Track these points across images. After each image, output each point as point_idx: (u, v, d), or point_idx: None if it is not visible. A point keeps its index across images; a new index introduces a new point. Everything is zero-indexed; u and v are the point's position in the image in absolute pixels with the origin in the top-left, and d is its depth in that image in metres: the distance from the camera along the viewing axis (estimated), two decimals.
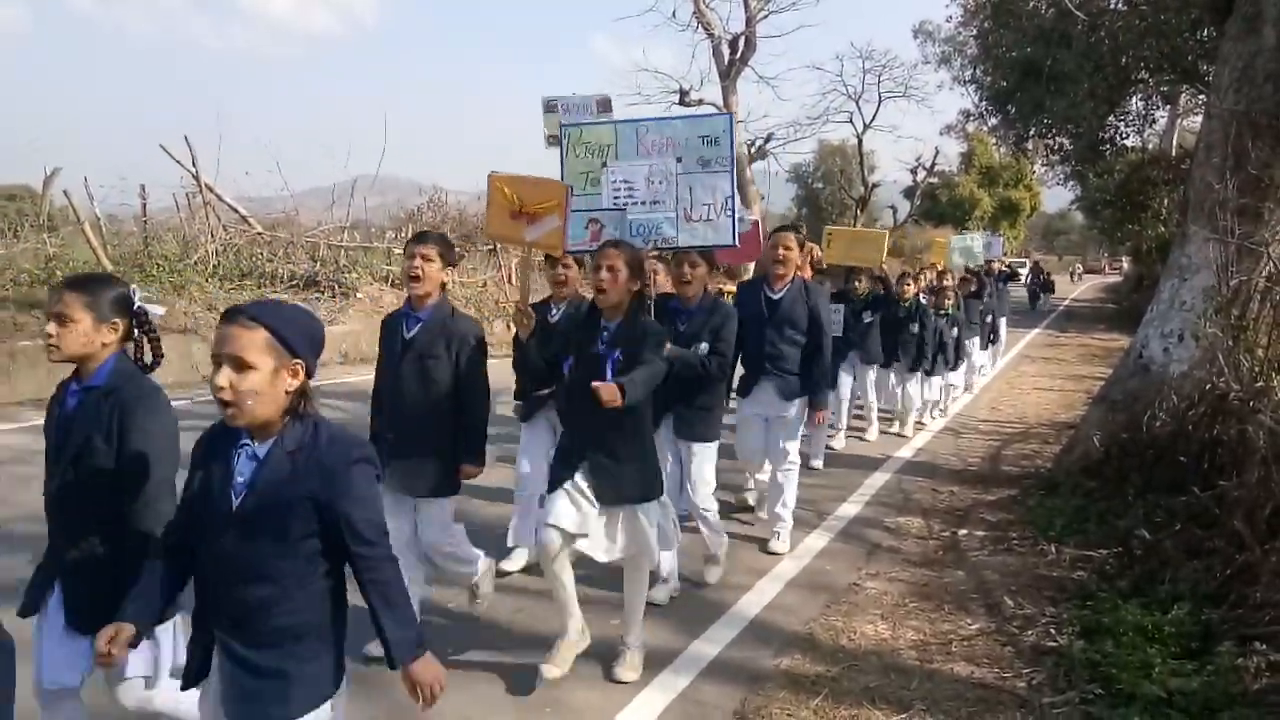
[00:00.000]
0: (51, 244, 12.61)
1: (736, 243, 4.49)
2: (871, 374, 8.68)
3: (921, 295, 9.28)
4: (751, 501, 6.25)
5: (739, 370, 5.38)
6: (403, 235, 17.64)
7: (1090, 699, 3.64)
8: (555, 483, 3.56)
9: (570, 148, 4.59)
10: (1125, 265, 45.74)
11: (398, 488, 3.67)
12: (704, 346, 4.47)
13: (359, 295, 14.23)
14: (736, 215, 4.46)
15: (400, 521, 3.68)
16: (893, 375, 8.99)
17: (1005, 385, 12.97)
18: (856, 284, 8.26)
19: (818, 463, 7.46)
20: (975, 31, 25.36)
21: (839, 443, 8.37)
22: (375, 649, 4.24)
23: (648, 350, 3.51)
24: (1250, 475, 4.70)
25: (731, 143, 4.46)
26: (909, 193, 44.09)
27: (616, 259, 3.52)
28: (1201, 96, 21.61)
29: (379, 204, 20.36)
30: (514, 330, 4.04)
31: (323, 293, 13.93)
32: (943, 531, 5.92)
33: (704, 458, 4.67)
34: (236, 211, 15.03)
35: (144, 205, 14.03)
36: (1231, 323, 5.73)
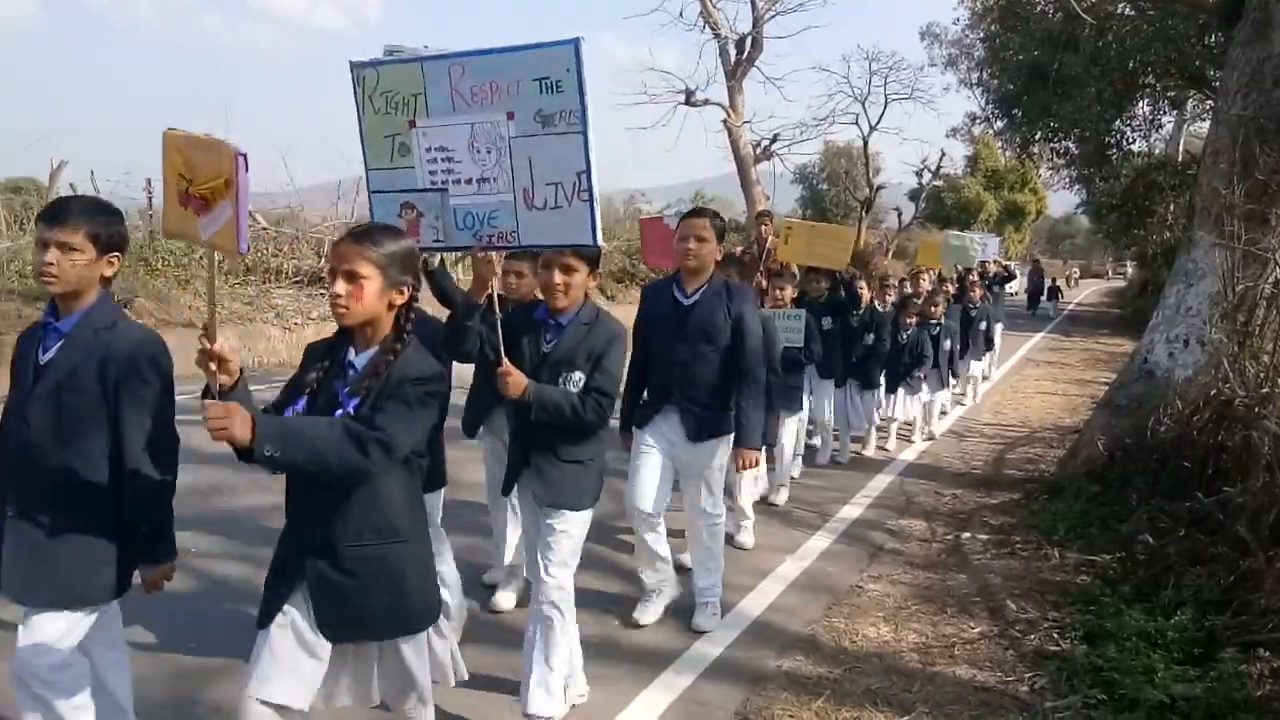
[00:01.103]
0: None
1: (598, 238, 2.97)
2: (831, 390, 7.45)
3: (885, 302, 8.50)
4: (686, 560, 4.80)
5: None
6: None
7: (1093, 704, 3.63)
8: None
9: (366, 99, 3.10)
10: (1129, 270, 45.68)
11: None
12: (577, 377, 3.21)
13: None
14: (595, 199, 2.91)
15: None
16: (853, 392, 7.87)
17: (1009, 389, 12.96)
18: (814, 284, 7.09)
19: (779, 498, 6.48)
20: (982, 34, 25.34)
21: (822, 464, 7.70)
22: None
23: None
24: (1255, 481, 4.69)
25: (581, 87, 2.81)
26: (914, 195, 44.02)
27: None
28: (1209, 102, 21.60)
29: None
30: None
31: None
32: (946, 534, 5.92)
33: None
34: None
35: (150, 199, 14.04)
36: (1237, 328, 5.73)
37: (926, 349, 8.28)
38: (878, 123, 35.54)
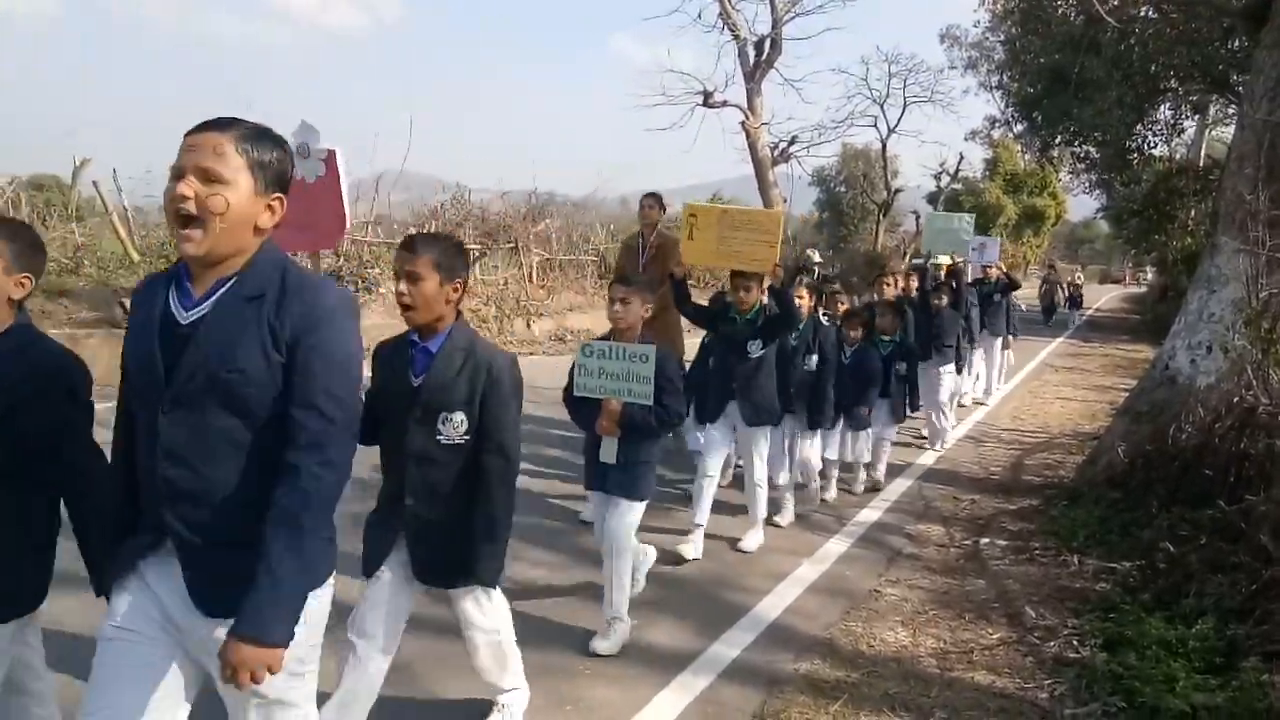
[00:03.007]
0: (79, 234, 12.74)
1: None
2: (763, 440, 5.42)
3: (823, 314, 6.69)
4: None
5: None
6: (426, 232, 17.67)
7: (1113, 712, 3.61)
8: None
9: None
10: (1149, 275, 45.31)
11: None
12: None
13: (381, 290, 14.30)
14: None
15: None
16: (791, 430, 6.06)
17: (1028, 394, 12.88)
18: (741, 294, 5.21)
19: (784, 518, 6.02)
20: (1003, 37, 25.19)
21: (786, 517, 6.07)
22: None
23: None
24: (1278, 489, 4.65)
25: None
26: (932, 199, 43.82)
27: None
28: (1231, 106, 21.44)
29: (403, 200, 20.44)
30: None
31: (345, 288, 14.01)
32: (964, 540, 5.89)
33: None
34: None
35: None
36: (1261, 335, 5.67)
37: (874, 372, 6.63)
38: (896, 125, 35.41)
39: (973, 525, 6.23)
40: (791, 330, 5.62)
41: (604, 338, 4.01)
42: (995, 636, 4.38)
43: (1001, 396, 12.24)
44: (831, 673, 3.91)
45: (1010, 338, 12.04)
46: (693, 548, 5.16)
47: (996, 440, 9.39)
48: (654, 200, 7.02)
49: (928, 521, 6.32)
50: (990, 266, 11.20)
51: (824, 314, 6.71)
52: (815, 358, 6.00)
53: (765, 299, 5.32)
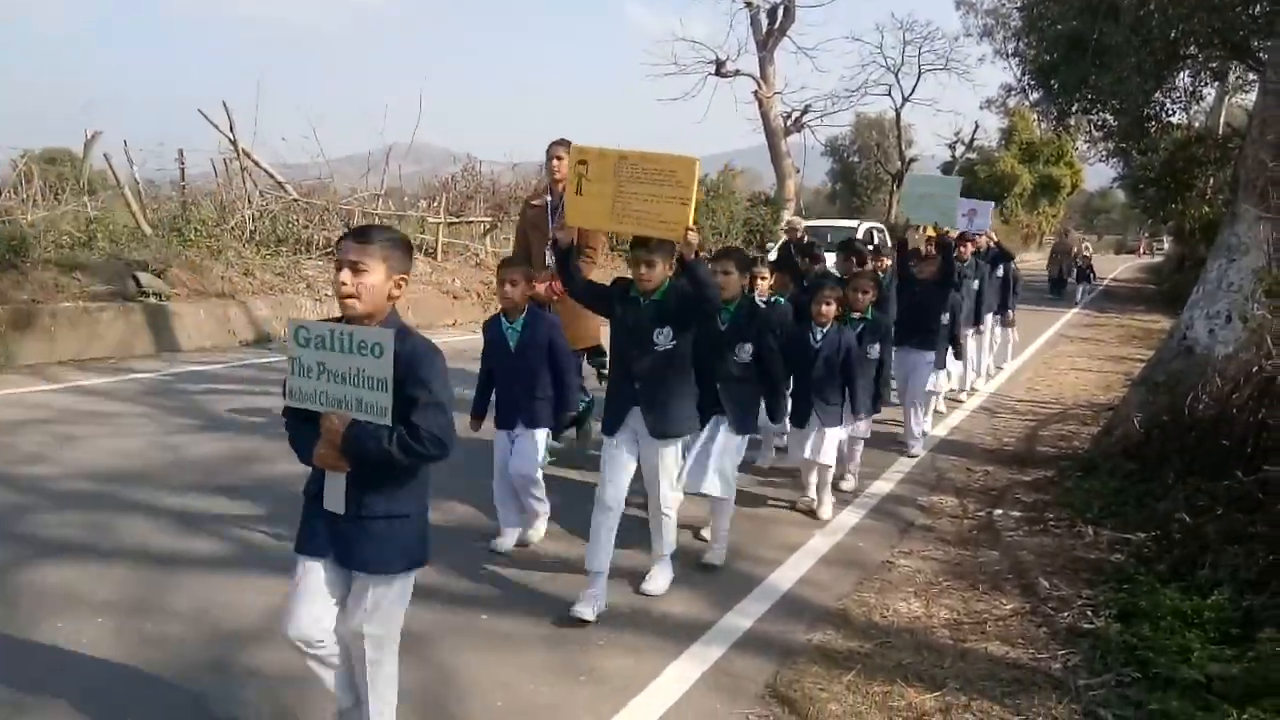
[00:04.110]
0: (92, 207, 12.76)
1: None
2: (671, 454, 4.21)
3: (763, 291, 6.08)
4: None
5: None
6: (436, 204, 17.69)
7: (1127, 682, 3.60)
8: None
9: None
10: (1166, 245, 44.88)
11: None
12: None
13: None
14: None
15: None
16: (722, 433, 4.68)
17: (1042, 365, 12.80)
18: (643, 270, 3.98)
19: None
20: (1020, 3, 24.87)
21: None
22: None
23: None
24: None
25: None
26: (947, 168, 43.52)
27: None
28: (1252, 74, 21.09)
29: (414, 172, 20.40)
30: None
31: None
32: (977, 511, 5.87)
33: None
34: (272, 178, 15.13)
35: (182, 171, 14.14)
36: None
37: (851, 356, 5.50)
38: (911, 94, 35.20)
39: (986, 496, 6.21)
40: (710, 314, 4.32)
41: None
42: (1009, 607, 4.37)
43: (1016, 367, 12.16)
44: (844, 643, 3.92)
45: (1011, 312, 10.85)
46: (590, 607, 3.95)
47: (1010, 411, 9.35)
48: (566, 150, 5.55)
49: (941, 493, 6.30)
50: (980, 235, 9.80)
51: (760, 297, 5.77)
52: (750, 347, 4.66)
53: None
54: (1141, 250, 63.01)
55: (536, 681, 3.43)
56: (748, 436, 4.88)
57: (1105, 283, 33.57)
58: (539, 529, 4.97)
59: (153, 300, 10.26)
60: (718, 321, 4.67)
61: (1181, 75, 22.56)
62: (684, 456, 4.50)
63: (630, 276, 4.11)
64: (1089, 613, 4.24)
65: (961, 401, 9.50)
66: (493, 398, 4.82)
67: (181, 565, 4.32)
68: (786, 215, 13.02)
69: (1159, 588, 4.28)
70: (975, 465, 7.06)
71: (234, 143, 14.27)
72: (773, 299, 6.39)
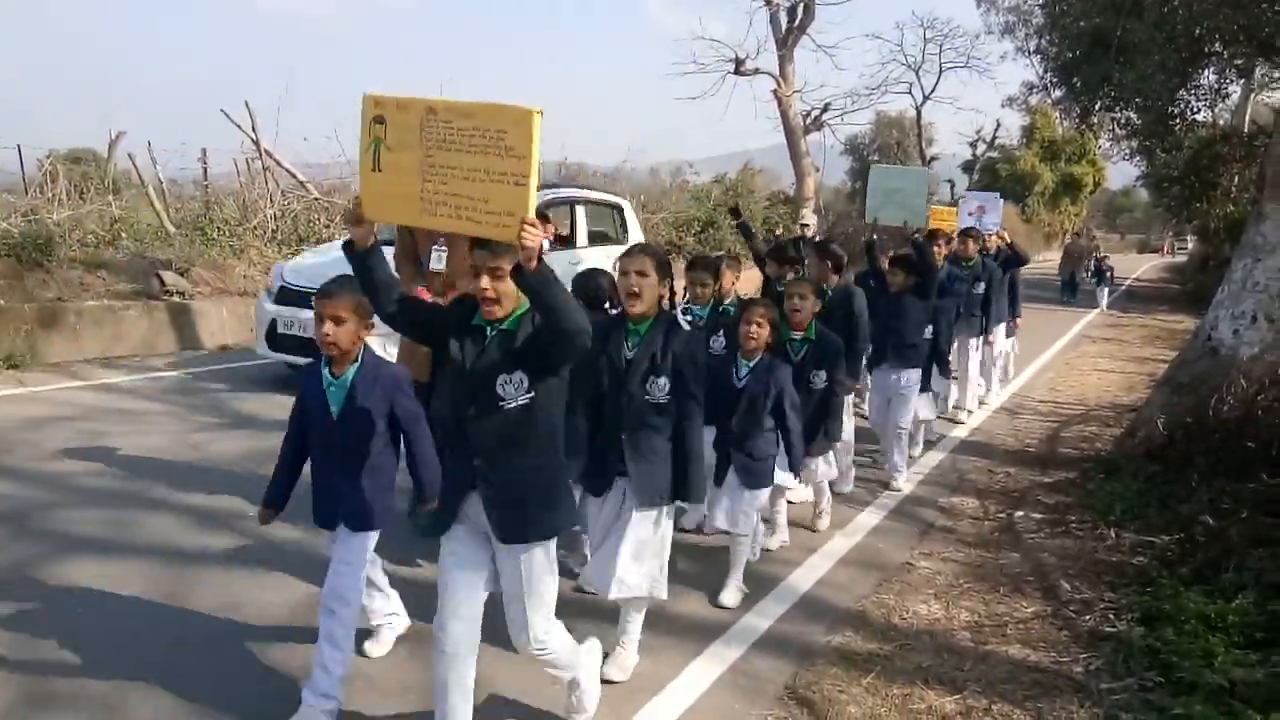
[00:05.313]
0: (116, 207, 12.88)
1: None
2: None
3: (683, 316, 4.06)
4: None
5: None
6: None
7: (1149, 686, 3.58)
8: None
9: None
10: (1190, 245, 44.39)
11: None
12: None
13: None
14: None
15: None
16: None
17: (1064, 365, 12.70)
18: (486, 283, 2.70)
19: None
20: (1041, 0, 24.65)
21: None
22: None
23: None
24: None
25: None
26: (968, 167, 43.28)
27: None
28: (1278, 71, 20.84)
29: None
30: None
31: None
32: (998, 513, 5.84)
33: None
34: (294, 177, 15.22)
35: (205, 170, 14.25)
36: None
37: (785, 399, 4.22)
38: (931, 92, 34.99)
39: (1007, 498, 6.18)
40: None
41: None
42: (1030, 610, 4.34)
43: (1037, 368, 12.07)
44: (864, 645, 3.91)
45: (1016, 321, 9.42)
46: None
47: (1032, 412, 9.28)
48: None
49: (961, 494, 6.27)
50: (991, 234, 8.78)
51: (684, 315, 4.11)
52: (665, 383, 3.32)
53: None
54: (1165, 250, 62.37)
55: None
56: (670, 508, 3.45)
57: (1127, 283, 33.26)
58: (384, 642, 3.60)
59: (176, 299, 10.35)
60: (624, 348, 3.37)
61: (1206, 72, 22.29)
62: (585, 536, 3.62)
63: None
64: (1111, 616, 4.21)
65: (962, 422, 8.38)
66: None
67: (205, 562, 4.36)
68: (806, 214, 12.90)
69: (1182, 591, 4.25)
70: (996, 466, 7.01)
71: (256, 142, 14.36)
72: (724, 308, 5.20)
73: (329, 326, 2.98)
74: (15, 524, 4.68)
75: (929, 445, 7.39)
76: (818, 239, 8.02)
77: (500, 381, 2.68)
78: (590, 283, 4.35)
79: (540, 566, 2.80)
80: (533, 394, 2.68)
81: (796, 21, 23.73)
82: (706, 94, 24.73)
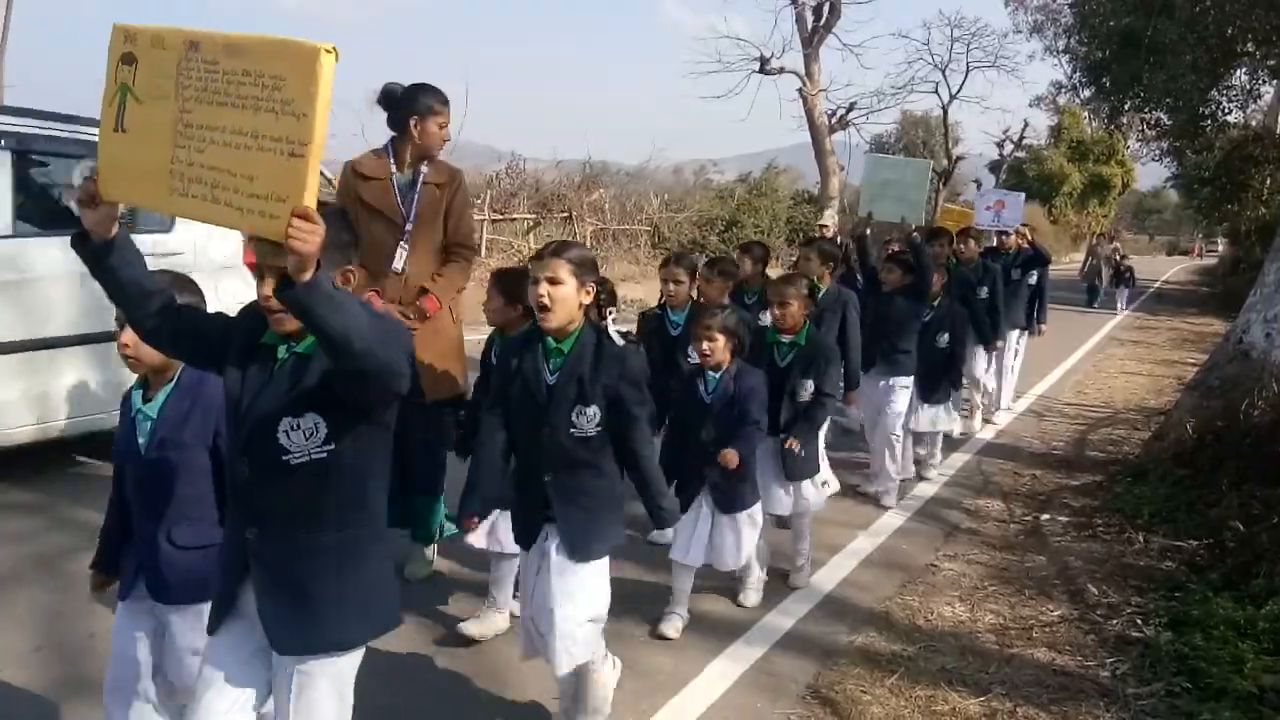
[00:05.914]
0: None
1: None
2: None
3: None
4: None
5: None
6: (480, 201, 17.82)
7: (1177, 692, 3.54)
8: None
9: None
10: (1220, 247, 43.86)
11: None
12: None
13: None
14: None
15: None
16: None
17: (1091, 368, 12.59)
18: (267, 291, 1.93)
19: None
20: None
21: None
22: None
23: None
24: None
25: None
26: (994, 167, 42.90)
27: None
28: None
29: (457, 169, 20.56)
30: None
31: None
32: (1024, 515, 5.80)
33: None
34: (322, 174, 15.35)
35: None
36: None
37: (748, 412, 3.73)
38: (958, 91, 34.68)
39: (1033, 501, 6.13)
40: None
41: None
42: (1056, 613, 4.31)
43: (1064, 370, 11.97)
44: (887, 646, 3.89)
45: (1040, 328, 8.73)
46: None
47: (1059, 415, 9.21)
48: (445, 106, 4.13)
49: (987, 496, 6.23)
50: (1010, 233, 8.25)
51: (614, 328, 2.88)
52: (595, 413, 2.69)
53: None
54: (1195, 252, 61.63)
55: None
56: (599, 562, 2.81)
57: (1155, 285, 32.90)
58: None
59: None
60: (544, 372, 2.73)
61: (1238, 73, 22.06)
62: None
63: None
64: (1139, 621, 4.17)
65: (968, 436, 7.84)
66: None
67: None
68: (826, 215, 12.75)
69: (1211, 597, 4.21)
70: (1022, 469, 6.96)
71: None
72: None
73: (127, 335, 2.21)
74: (47, 515, 4.75)
75: (953, 447, 7.31)
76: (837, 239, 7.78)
77: (285, 427, 1.92)
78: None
79: (322, 696, 1.97)
80: (331, 446, 1.94)
81: (822, 20, 23.63)
82: (731, 93, 24.69)
